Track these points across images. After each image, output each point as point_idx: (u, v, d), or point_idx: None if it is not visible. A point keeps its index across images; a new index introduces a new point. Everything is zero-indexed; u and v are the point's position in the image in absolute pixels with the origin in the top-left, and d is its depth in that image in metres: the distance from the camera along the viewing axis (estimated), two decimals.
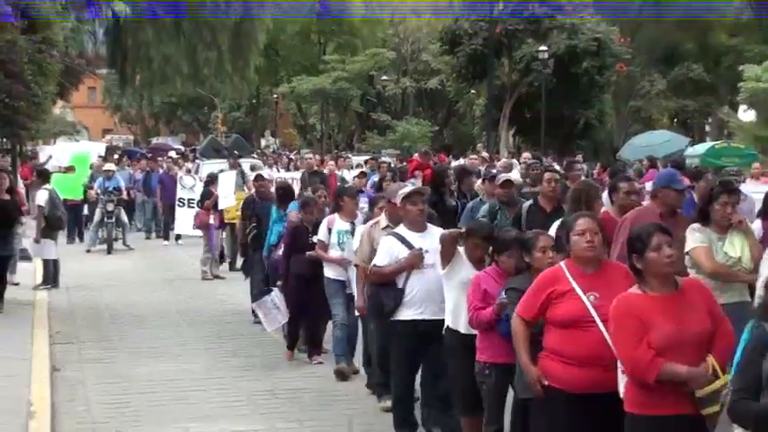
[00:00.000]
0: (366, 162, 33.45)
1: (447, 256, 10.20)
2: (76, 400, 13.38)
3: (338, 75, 68.06)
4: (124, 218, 31.12)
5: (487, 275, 9.63)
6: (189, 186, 27.72)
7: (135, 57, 54.15)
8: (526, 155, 29.38)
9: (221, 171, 27.17)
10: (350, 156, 39.71)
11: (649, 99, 60.60)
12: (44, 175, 26.01)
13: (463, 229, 10.65)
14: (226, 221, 24.41)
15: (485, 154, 35.72)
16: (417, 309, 10.81)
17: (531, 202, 13.73)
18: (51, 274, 23.28)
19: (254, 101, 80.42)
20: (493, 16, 46.74)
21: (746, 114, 52.78)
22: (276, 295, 15.64)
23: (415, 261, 10.82)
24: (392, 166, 30.02)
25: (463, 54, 52.08)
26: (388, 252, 11.03)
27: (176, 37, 52.23)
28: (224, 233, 25.26)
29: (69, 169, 32.76)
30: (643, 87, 59.51)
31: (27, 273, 24.37)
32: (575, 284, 7.74)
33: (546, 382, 7.82)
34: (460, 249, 10.24)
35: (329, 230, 14.48)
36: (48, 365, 15.09)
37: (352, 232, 14.04)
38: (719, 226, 10.26)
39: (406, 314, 10.88)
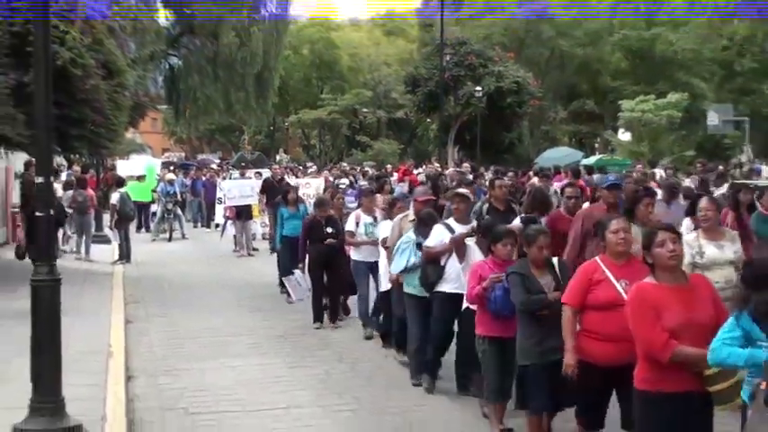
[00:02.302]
0: (350, 169, 33.52)
1: (461, 253, 9.82)
2: (143, 344, 13.39)
3: (332, 108, 68.13)
4: (181, 214, 31.03)
5: (484, 263, 9.05)
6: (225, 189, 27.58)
7: (185, 96, 54.13)
8: (466, 165, 29.34)
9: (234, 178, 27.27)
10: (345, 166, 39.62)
11: (555, 124, 60.74)
12: (119, 182, 26.03)
13: (469, 229, 10.15)
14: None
15: (437, 165, 35.73)
16: (454, 284, 10.08)
17: (487, 204, 12.83)
18: (125, 253, 23.25)
19: (271, 127, 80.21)
20: (442, 66, 46.70)
21: (624, 135, 52.96)
22: (299, 274, 15.02)
23: (456, 244, 10.08)
24: (370, 173, 29.95)
25: (421, 93, 52.10)
26: (437, 237, 10.32)
27: (215, 82, 52.32)
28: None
29: (141, 178, 32.73)
30: (550, 116, 59.64)
31: (107, 252, 24.36)
32: (609, 274, 7.18)
33: (576, 373, 7.22)
34: (471, 244, 9.85)
35: (356, 223, 13.77)
36: (122, 319, 15.09)
37: (374, 223, 13.61)
38: (642, 222, 9.56)
39: (445, 287, 10.20)
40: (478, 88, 48.55)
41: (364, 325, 13.85)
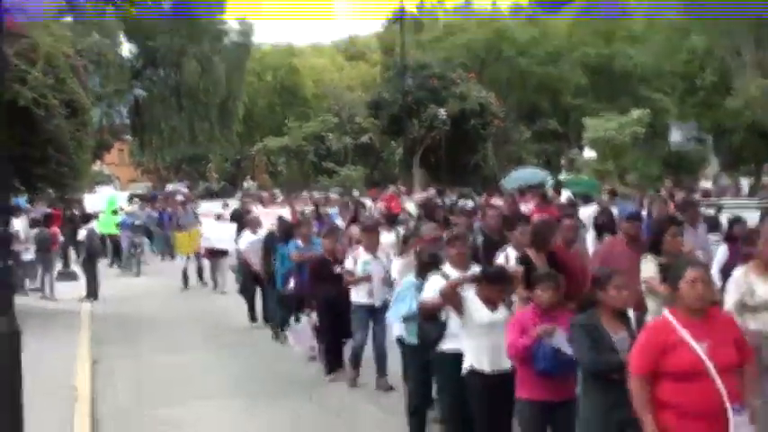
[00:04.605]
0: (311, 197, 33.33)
1: (457, 305, 8.24)
2: (109, 387, 13.16)
3: (297, 135, 68.03)
4: (145, 244, 30.88)
5: (524, 314, 7.75)
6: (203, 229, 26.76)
7: (150, 128, 54.26)
8: (431, 190, 29.11)
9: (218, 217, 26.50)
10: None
11: (519, 144, 60.86)
12: (86, 218, 25.84)
13: (461, 279, 8.45)
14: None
15: (402, 188, 35.71)
16: (459, 341, 8.52)
17: (480, 235, 12.02)
18: (93, 290, 23.01)
19: (237, 156, 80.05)
20: (404, 89, 46.75)
21: (589, 153, 53.14)
22: (306, 320, 13.59)
23: (447, 297, 8.36)
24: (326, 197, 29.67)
25: (385, 117, 52.16)
26: (433, 288, 8.79)
27: (179, 113, 52.48)
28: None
29: (114, 212, 32.53)
30: (514, 136, 59.78)
31: (75, 289, 24.06)
32: (685, 334, 5.87)
33: None
34: (470, 295, 8.29)
35: (355, 261, 12.56)
36: (89, 359, 14.86)
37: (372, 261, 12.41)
38: (671, 254, 8.60)
39: (449, 346, 8.70)
40: (442, 111, 48.66)
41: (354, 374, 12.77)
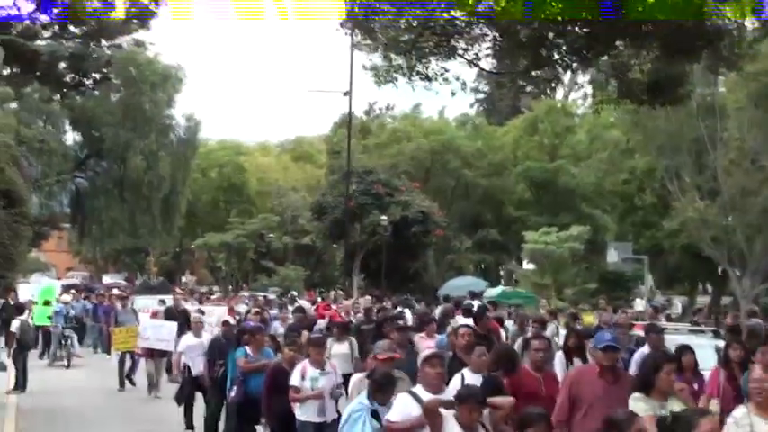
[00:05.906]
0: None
1: (436, 426, 7.70)
2: None
3: (239, 232, 68.12)
4: (75, 339, 30.39)
5: None
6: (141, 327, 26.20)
7: (90, 218, 54.11)
8: (367, 297, 29.12)
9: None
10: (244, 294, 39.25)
11: (460, 254, 61.41)
12: (20, 309, 25.62)
13: (451, 398, 7.99)
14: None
15: (341, 292, 35.93)
16: None
17: (451, 354, 11.47)
18: (22, 382, 22.77)
19: (177, 249, 79.85)
20: (348, 194, 47.24)
21: (528, 266, 53.69)
22: None
23: (430, 416, 7.91)
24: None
25: (328, 220, 52.55)
26: (402, 410, 8.35)
27: (121, 204, 52.53)
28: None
29: (47, 303, 32.26)
30: (455, 245, 60.36)
31: (3, 380, 23.75)
32: None
33: None
34: (449, 415, 7.78)
35: (302, 376, 11.79)
36: None
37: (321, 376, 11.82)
38: (662, 393, 8.04)
39: None
40: (384, 217, 49.13)
41: None
